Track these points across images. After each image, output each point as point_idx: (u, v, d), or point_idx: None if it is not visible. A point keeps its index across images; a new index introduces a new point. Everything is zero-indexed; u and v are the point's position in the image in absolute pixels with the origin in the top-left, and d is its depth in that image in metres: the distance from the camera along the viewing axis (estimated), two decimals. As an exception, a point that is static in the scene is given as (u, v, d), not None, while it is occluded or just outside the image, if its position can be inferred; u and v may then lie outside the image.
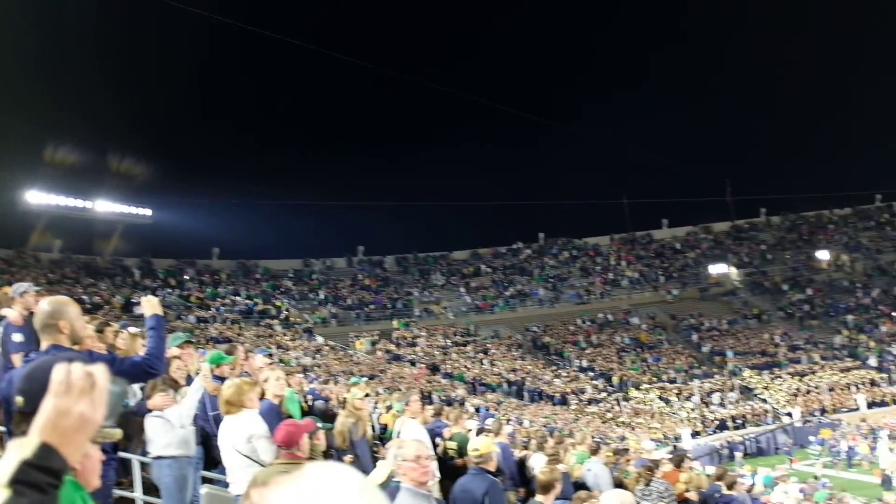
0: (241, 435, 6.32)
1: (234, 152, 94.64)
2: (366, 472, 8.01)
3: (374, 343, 55.43)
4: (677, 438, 44.47)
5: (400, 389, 33.96)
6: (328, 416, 11.46)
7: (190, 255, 64.76)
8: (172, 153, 71.52)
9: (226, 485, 6.80)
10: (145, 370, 4.98)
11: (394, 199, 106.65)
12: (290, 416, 8.05)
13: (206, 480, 7.61)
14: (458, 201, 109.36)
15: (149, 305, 5.20)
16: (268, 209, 77.43)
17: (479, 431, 10.85)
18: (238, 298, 57.64)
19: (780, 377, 55.71)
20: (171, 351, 8.20)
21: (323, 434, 6.80)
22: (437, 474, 8.86)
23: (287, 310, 57.95)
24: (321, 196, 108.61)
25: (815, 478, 31.34)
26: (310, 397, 14.06)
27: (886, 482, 32.22)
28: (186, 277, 60.43)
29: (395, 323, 60.52)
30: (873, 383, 54.07)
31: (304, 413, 11.80)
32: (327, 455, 11.24)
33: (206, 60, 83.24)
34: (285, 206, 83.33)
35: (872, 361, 57.54)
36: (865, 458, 40.58)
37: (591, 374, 56.73)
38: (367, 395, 9.62)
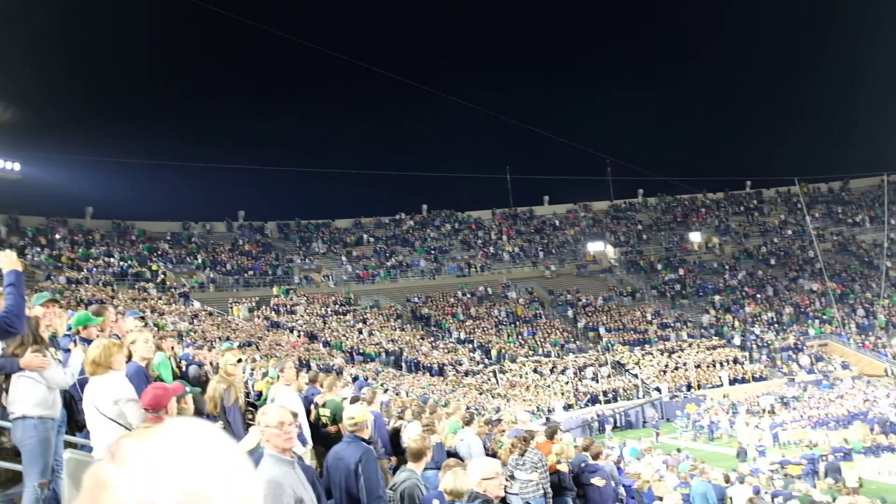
0: (108, 397, 6.11)
1: (112, 109, 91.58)
2: (237, 438, 7.89)
3: (252, 310, 54.57)
4: (550, 411, 45.45)
5: (277, 357, 33.62)
6: (201, 382, 11.24)
7: (61, 213, 62.40)
8: (44, 105, 68.64)
9: (90, 449, 6.58)
10: (4, 327, 4.75)
11: (276, 164, 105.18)
12: (158, 380, 7.84)
13: (69, 445, 7.35)
14: (341, 168, 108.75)
15: (7, 261, 4.96)
16: (146, 169, 75.39)
17: (354, 400, 10.80)
18: (112, 260, 55.80)
19: (651, 354, 57.46)
20: (35, 310, 7.84)
21: (191, 398, 6.63)
22: (310, 441, 8.79)
23: (163, 273, 56.44)
24: (202, 158, 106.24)
25: (679, 450, 32.49)
26: (183, 362, 13.76)
27: (742, 454, 33.72)
28: (57, 237, 58.18)
29: (274, 290, 59.68)
30: (736, 361, 56.35)
31: (177, 378, 11.54)
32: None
33: (86, 8, 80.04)
34: (164, 167, 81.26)
35: (736, 340, 60.03)
36: (725, 431, 42.42)
37: (468, 346, 57.30)
38: (240, 361, 9.43)
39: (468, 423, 12.84)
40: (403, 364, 51.15)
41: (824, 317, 63.98)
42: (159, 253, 62.10)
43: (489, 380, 51.64)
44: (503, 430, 13.92)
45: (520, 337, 59.66)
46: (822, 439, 36.16)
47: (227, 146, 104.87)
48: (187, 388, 6.54)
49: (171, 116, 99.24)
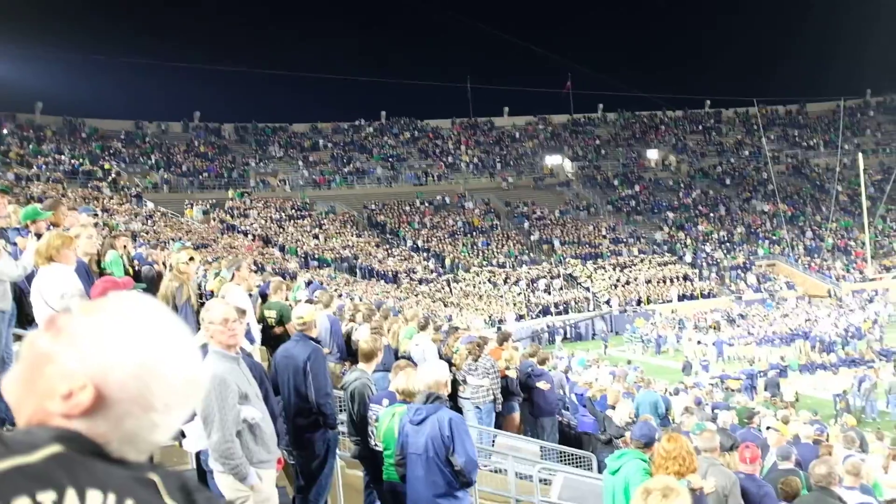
0: (55, 290, 6.07)
1: (65, 1, 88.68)
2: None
3: (206, 212, 54.03)
4: (502, 321, 46.01)
5: (229, 258, 33.44)
6: (154, 281, 11.19)
7: (10, 107, 60.69)
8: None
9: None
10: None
11: (234, 65, 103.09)
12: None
13: (18, 338, 7.32)
14: (300, 72, 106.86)
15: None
16: (99, 65, 73.43)
17: (307, 301, 10.85)
18: (63, 157, 54.77)
19: (603, 268, 58.15)
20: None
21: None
22: (258, 340, 8.83)
23: (116, 173, 55.52)
24: (158, 55, 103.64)
25: (627, 362, 33.23)
26: (136, 262, 13.67)
27: (687, 368, 34.63)
28: (5, 132, 56.81)
29: (229, 192, 59.00)
30: (686, 278, 57.32)
31: (131, 277, 11.47)
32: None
33: None
34: (118, 63, 79.17)
35: (688, 258, 60.95)
36: (672, 346, 43.42)
37: (423, 254, 57.51)
38: (192, 259, 9.38)
39: (423, 328, 12.99)
40: (358, 270, 51.27)
41: (774, 237, 65.08)
42: (112, 152, 60.98)
43: (443, 288, 52.02)
44: (458, 337, 14.10)
45: (474, 247, 59.92)
46: (764, 356, 37.19)
47: (184, 44, 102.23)
48: (135, 284, 6.51)
49: (127, 12, 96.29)
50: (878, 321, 43.16)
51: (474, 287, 53.56)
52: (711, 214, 68.98)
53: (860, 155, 61.35)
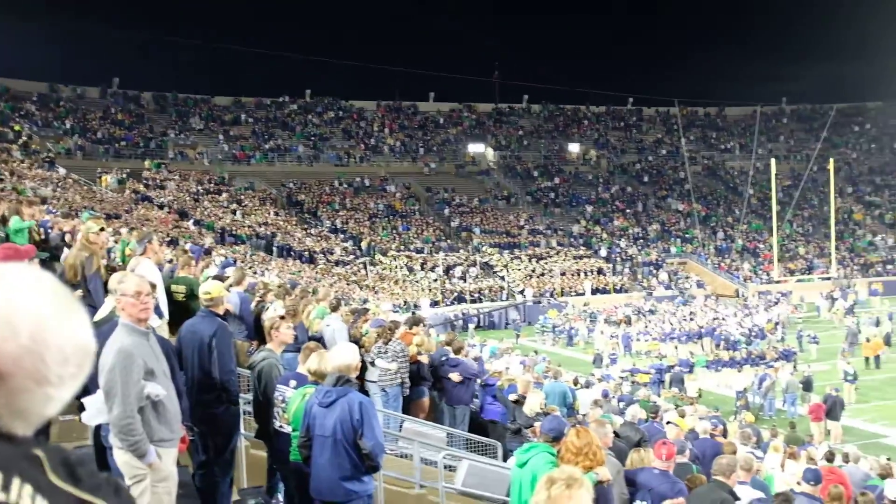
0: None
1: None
2: (97, 307, 7.72)
3: (121, 181, 52.65)
4: (416, 306, 46.07)
5: (141, 230, 32.76)
6: (60, 250, 10.91)
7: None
8: None
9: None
10: None
11: (156, 32, 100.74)
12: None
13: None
14: (225, 44, 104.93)
15: None
16: (12, 22, 70.75)
17: (217, 278, 10.68)
18: (-30, 116, 52.85)
19: (520, 258, 58.65)
20: None
21: (37, 262, 6.42)
22: (167, 314, 8.67)
23: (27, 135, 53.80)
24: (77, 16, 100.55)
25: (536, 352, 33.64)
26: (42, 229, 13.28)
27: (597, 360, 35.20)
28: None
29: (146, 163, 57.56)
30: (600, 272, 58.22)
31: (38, 245, 11.15)
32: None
33: None
34: (33, 22, 76.66)
35: (602, 252, 61.89)
36: (583, 338, 44.10)
37: (341, 235, 57.17)
38: (102, 230, 9.17)
39: (335, 308, 12.93)
40: (274, 249, 50.72)
41: (686, 236, 66.55)
42: (23, 113, 59.07)
43: (359, 271, 51.81)
44: (367, 320, 14.07)
45: (394, 231, 59.81)
46: (672, 351, 38.05)
47: (106, 7, 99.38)
48: (38, 254, 6.33)
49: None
50: (781, 322, 44.52)
51: (391, 271, 53.51)
52: (628, 210, 70.12)
53: (773, 160, 62.94)
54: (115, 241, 14.12)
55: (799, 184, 68.82)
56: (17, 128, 53.74)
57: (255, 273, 33.07)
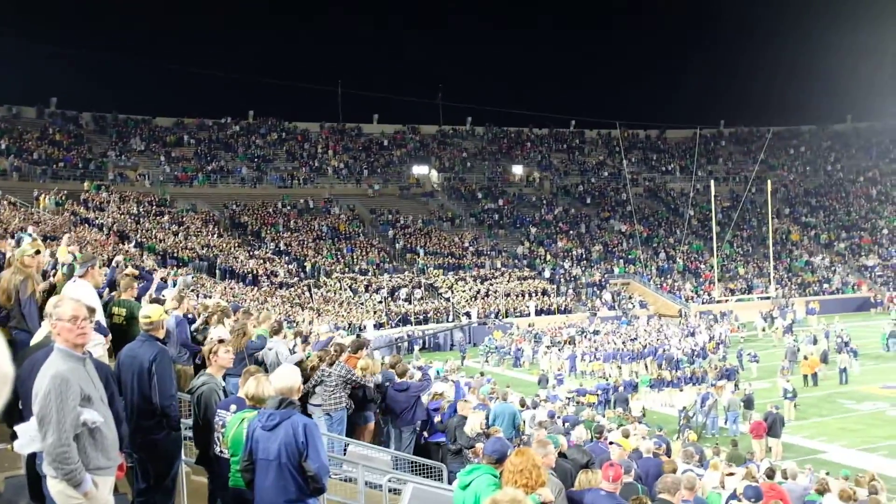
0: None
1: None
2: (32, 331, 7.53)
3: (60, 203, 51.67)
4: (361, 328, 45.84)
5: (83, 252, 32.13)
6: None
7: None
8: None
9: None
10: None
11: (96, 50, 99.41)
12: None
13: None
14: (166, 63, 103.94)
15: None
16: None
17: (155, 301, 10.51)
18: None
19: (464, 279, 58.75)
20: None
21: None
22: (107, 339, 8.48)
23: (-41, 156, 52.69)
24: (13, 33, 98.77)
25: (482, 374, 33.60)
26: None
27: (543, 381, 35.27)
28: None
29: (85, 184, 56.54)
30: (544, 293, 58.58)
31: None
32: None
33: None
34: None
35: (546, 273, 62.31)
36: (528, 359, 44.26)
37: (286, 257, 56.71)
38: (38, 252, 8.95)
39: (276, 332, 12.79)
40: (217, 271, 50.14)
41: (629, 257, 67.27)
42: (-45, 133, 57.90)
43: (303, 293, 51.42)
44: (309, 344, 13.95)
45: (338, 253, 59.51)
46: (615, 371, 38.35)
47: (43, 23, 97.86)
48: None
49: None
50: (722, 341, 45.12)
51: (335, 293, 53.20)
52: (571, 232, 70.69)
53: (712, 182, 64.15)
54: (55, 264, 13.81)
55: (738, 205, 70.15)
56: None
57: (198, 296, 32.60)
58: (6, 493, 6.52)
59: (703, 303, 60.70)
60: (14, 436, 5.40)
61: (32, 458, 5.74)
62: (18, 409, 5.90)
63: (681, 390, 32.28)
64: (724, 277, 64.26)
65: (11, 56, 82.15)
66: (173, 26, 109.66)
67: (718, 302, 59.77)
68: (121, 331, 9.11)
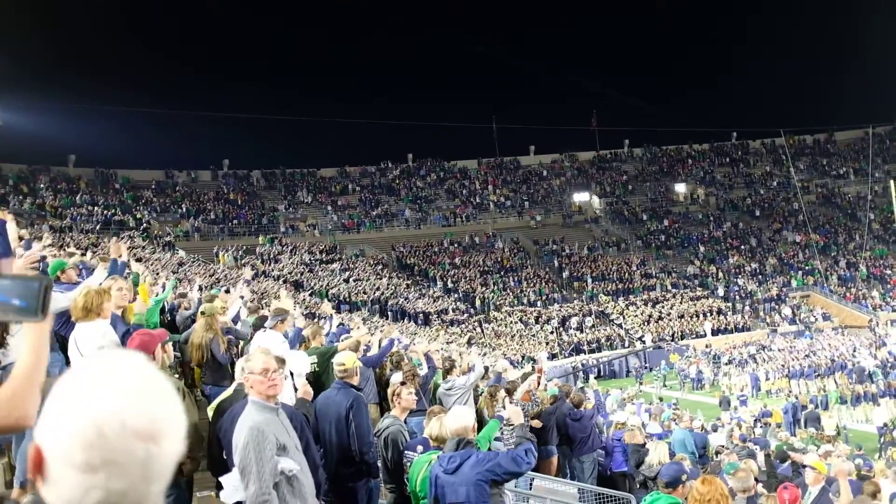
0: (92, 343, 6.12)
1: (95, 55, 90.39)
2: (224, 386, 7.92)
3: (237, 258, 54.27)
4: (534, 360, 45.72)
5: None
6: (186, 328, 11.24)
7: (44, 160, 61.73)
8: (24, 51, 67.48)
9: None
10: None
11: (261, 112, 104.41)
12: (142, 327, 7.82)
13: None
14: (327, 117, 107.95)
15: None
16: (128, 116, 74.73)
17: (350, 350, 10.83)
18: (96, 209, 55.42)
19: (635, 304, 57.77)
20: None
21: (170, 346, 6.63)
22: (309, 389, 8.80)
23: (148, 222, 56.13)
24: (185, 105, 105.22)
25: (661, 399, 32.88)
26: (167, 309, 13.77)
27: (724, 403, 34.15)
28: (40, 185, 57.73)
29: (260, 239, 59.34)
30: (719, 312, 56.81)
31: (164, 325, 11.55)
32: (183, 368, 11.04)
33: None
34: (147, 115, 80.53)
35: (720, 291, 60.44)
36: (708, 381, 42.95)
37: (454, 295, 57.37)
38: (224, 309, 9.43)
39: (449, 371, 12.92)
40: (389, 313, 51.22)
41: (807, 268, 64.42)
42: (143, 201, 61.71)
43: (474, 329, 51.80)
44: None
45: (505, 286, 59.76)
46: (802, 389, 36.68)
47: (213, 94, 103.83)
48: (169, 335, 6.55)
49: (156, 66, 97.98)
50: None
51: (506, 326, 53.35)
52: (742, 247, 68.45)
53: (892, 182, 60.68)
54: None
55: (922, 204, 66.13)
56: (138, 216, 56.12)
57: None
58: (214, 540, 6.84)
59: (892, 310, 57.26)
60: (219, 486, 5.69)
61: (237, 507, 6.02)
62: (223, 460, 6.22)
63: (876, 405, 30.50)
64: (916, 282, 60.69)
65: (187, 126, 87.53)
66: (327, 82, 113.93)
67: (911, 308, 56.36)
68: (315, 378, 9.46)
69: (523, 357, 45.87)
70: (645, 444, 13.45)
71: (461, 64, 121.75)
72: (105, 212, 54.89)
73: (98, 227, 50.98)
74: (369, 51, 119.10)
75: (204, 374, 8.97)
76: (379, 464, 7.98)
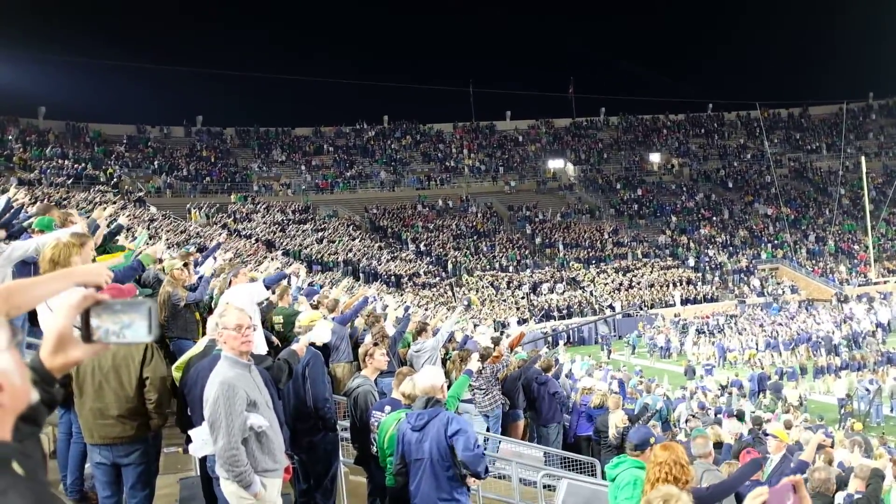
0: (60, 297, 6.08)
1: (67, 5, 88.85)
2: (189, 339, 7.92)
3: (210, 216, 53.94)
4: (504, 325, 45.90)
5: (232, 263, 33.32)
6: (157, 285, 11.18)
7: (13, 111, 60.76)
8: (-4, 0, 66.09)
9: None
10: None
11: (235, 69, 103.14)
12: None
13: (30, 346, 7.33)
14: (302, 76, 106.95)
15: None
16: (101, 69, 73.46)
17: (314, 306, 10.87)
18: (66, 162, 54.71)
19: (606, 271, 58.07)
20: None
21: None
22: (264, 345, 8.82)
23: (119, 177, 55.54)
24: (159, 59, 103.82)
25: (627, 367, 33.23)
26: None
27: (689, 372, 34.58)
28: (9, 136, 56.93)
29: (232, 197, 58.95)
30: (689, 282, 57.25)
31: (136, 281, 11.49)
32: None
33: None
34: (120, 68, 79.27)
35: (690, 261, 60.90)
36: (675, 350, 43.39)
37: (426, 258, 57.38)
38: (186, 265, 9.42)
39: (420, 332, 12.97)
40: (361, 274, 51.17)
41: (776, 241, 65.02)
42: (115, 156, 61.04)
43: (446, 292, 51.90)
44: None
45: (477, 251, 59.85)
46: (768, 360, 37.17)
47: (187, 48, 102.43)
48: (138, 290, 6.52)
49: (130, 18, 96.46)
50: (882, 325, 43.09)
51: (477, 291, 53.49)
52: (714, 218, 68.91)
53: (863, 158, 61.28)
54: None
55: (892, 181, 66.69)
56: (109, 171, 55.49)
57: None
58: (181, 493, 6.89)
59: (859, 285, 57.97)
60: (188, 439, 5.72)
61: (205, 461, 6.06)
62: (187, 415, 6.24)
63: (839, 377, 30.99)
64: (881, 257, 61.38)
65: (161, 80, 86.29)
66: (305, 40, 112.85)
67: (876, 283, 57.07)
68: (280, 337, 9.47)
69: (494, 321, 46.02)
70: (605, 406, 13.54)
71: (438, 25, 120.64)
72: (76, 165, 54.18)
73: (69, 182, 50.31)
74: (343, 10, 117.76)
75: (168, 329, 8.94)
76: (347, 423, 8.05)
